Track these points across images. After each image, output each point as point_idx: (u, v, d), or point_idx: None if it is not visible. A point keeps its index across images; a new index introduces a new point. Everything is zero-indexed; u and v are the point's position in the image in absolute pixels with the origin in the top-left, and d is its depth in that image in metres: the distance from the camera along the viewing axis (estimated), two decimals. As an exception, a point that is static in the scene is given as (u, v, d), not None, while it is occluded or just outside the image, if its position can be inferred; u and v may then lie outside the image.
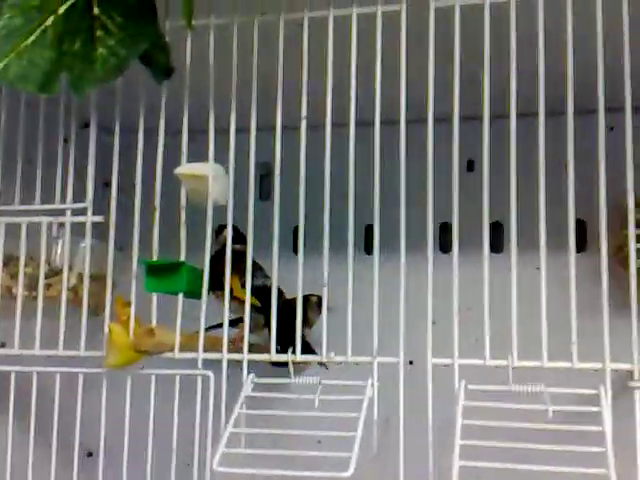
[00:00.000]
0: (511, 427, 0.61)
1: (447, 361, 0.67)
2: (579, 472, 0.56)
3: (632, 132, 0.66)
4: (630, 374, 0.64)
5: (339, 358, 0.71)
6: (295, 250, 0.86)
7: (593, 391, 0.62)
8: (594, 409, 0.61)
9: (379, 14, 0.71)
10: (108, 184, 0.77)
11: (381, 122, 0.71)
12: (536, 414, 0.62)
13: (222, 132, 0.74)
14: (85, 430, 0.79)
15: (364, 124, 0.70)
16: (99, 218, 0.77)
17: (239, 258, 0.74)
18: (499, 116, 0.68)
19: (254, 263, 0.75)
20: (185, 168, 0.73)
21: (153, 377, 0.76)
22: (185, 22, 0.66)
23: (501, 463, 0.58)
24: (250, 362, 0.73)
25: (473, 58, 0.68)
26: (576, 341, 0.63)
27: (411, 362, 0.77)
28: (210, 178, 0.72)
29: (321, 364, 0.75)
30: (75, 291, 0.81)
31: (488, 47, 0.68)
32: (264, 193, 1.09)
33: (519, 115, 0.68)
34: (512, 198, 0.68)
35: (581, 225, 1.00)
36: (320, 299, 0.74)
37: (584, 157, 0.67)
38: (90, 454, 0.89)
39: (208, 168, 0.72)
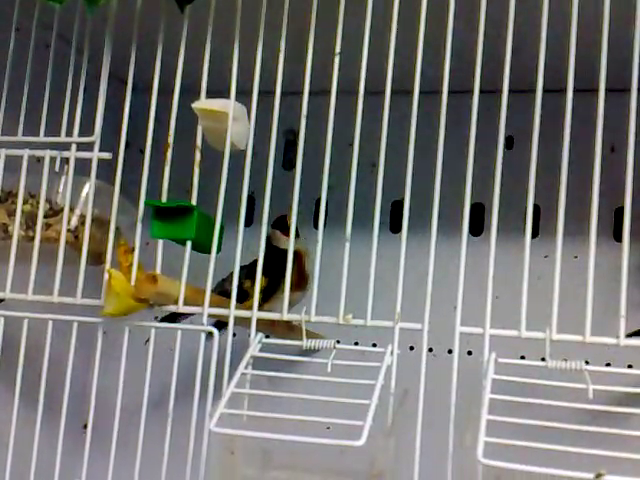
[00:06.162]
0: (545, 405, 0.55)
1: (477, 330, 0.61)
2: (619, 456, 0.50)
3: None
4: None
5: (357, 321, 0.65)
6: (315, 224, 0.81)
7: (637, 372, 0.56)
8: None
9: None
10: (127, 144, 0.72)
11: (420, 92, 0.65)
12: (573, 395, 0.56)
13: (246, 94, 0.68)
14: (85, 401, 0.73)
15: (400, 92, 0.64)
16: (107, 155, 0.71)
17: None
18: (546, 90, 0.62)
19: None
20: (204, 102, 0.67)
21: (153, 331, 0.70)
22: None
23: (534, 442, 0.51)
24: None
25: (524, 27, 0.62)
26: (625, 315, 0.56)
27: (431, 349, 0.72)
28: (230, 116, 0.66)
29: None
30: (76, 234, 0.75)
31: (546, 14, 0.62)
32: (288, 162, 1.03)
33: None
34: (562, 182, 0.61)
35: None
36: None
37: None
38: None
39: (229, 105, 0.66)
